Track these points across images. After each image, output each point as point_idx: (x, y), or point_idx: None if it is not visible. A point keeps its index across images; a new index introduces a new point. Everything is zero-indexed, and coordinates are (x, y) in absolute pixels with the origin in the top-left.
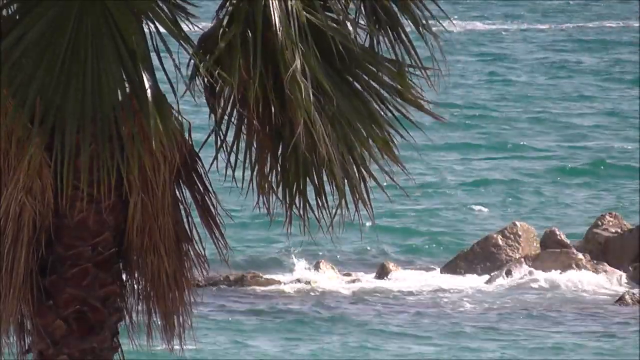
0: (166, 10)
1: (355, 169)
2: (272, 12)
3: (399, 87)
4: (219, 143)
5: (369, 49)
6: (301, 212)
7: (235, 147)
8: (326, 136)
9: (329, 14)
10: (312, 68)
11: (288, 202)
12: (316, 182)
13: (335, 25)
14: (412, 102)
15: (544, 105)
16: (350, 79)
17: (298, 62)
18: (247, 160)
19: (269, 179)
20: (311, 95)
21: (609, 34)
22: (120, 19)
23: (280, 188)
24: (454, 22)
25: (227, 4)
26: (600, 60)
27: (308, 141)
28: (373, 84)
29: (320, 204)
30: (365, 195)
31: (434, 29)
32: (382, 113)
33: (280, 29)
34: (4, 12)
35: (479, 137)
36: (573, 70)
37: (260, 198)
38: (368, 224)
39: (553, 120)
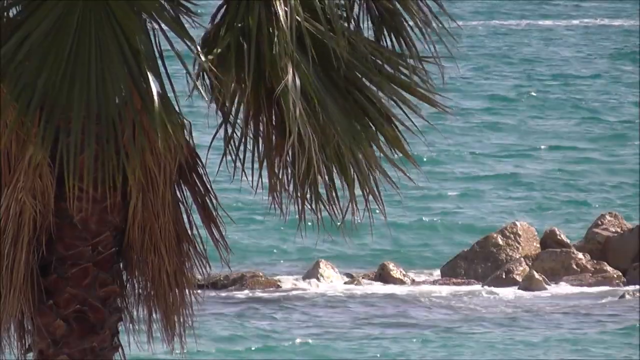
0: (170, 9)
1: (365, 165)
2: (266, 20)
3: (404, 84)
4: (226, 140)
5: (373, 48)
6: (314, 208)
7: (243, 145)
8: (316, 147)
9: (328, 17)
10: (306, 76)
11: (300, 199)
12: (326, 179)
13: (333, 34)
14: (420, 96)
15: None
16: (355, 80)
17: (290, 73)
18: (256, 159)
19: (280, 177)
20: (299, 108)
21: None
22: (123, 19)
23: (292, 185)
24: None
25: (223, 9)
26: (613, 62)
27: (302, 153)
28: (380, 81)
29: (330, 200)
30: (375, 190)
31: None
32: (391, 109)
33: (275, 38)
34: (8, 14)
35: (478, 136)
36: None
37: (272, 196)
38: (372, 222)
39: (554, 120)
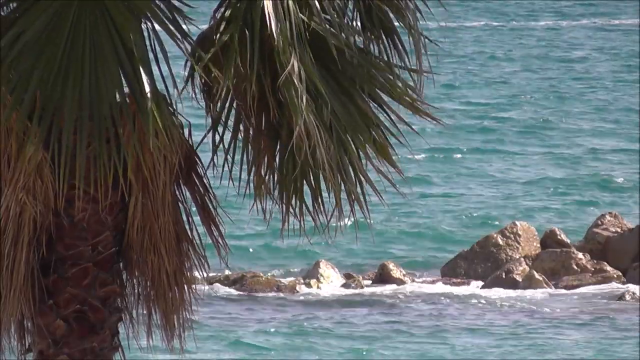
0: (165, 10)
1: (351, 171)
2: (268, 14)
3: (394, 91)
4: (215, 144)
5: (365, 52)
6: (298, 214)
7: (232, 147)
8: (321, 139)
9: (325, 15)
10: (308, 71)
11: (285, 203)
12: (313, 184)
13: (331, 28)
14: (409, 105)
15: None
16: (346, 82)
17: (295, 65)
18: (245, 161)
19: (266, 180)
20: (305, 98)
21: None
22: (118, 18)
23: (277, 190)
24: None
25: (225, 4)
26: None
27: (305, 144)
28: (369, 87)
29: (317, 206)
30: (361, 197)
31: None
32: (377, 116)
33: (277, 30)
34: (3, 10)
35: (479, 135)
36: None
37: (258, 199)
38: (372, 222)
39: (555, 121)
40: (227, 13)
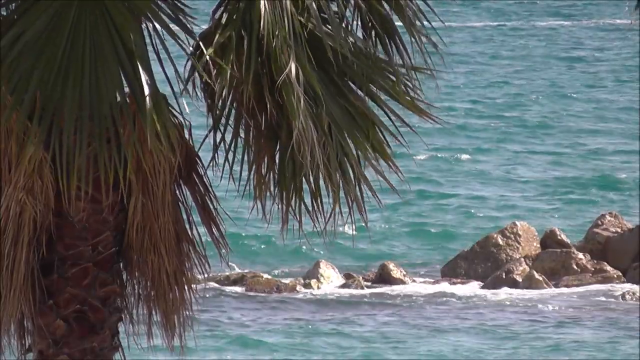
0: (165, 9)
1: (350, 172)
2: (266, 15)
3: (394, 92)
4: (216, 143)
5: (364, 53)
6: (297, 214)
7: (232, 147)
8: (316, 141)
9: (323, 15)
10: (306, 72)
11: (285, 203)
12: (312, 184)
13: (329, 27)
14: (410, 105)
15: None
16: (344, 83)
17: (292, 67)
18: (245, 161)
19: (266, 180)
20: (302, 100)
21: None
22: (118, 18)
23: (277, 189)
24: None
25: (223, 5)
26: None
27: (303, 144)
28: (368, 88)
29: (316, 206)
30: (359, 198)
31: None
32: (377, 116)
33: (275, 31)
34: (3, 11)
35: (480, 136)
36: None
37: (258, 199)
38: (373, 222)
39: (556, 120)
40: (226, 14)
